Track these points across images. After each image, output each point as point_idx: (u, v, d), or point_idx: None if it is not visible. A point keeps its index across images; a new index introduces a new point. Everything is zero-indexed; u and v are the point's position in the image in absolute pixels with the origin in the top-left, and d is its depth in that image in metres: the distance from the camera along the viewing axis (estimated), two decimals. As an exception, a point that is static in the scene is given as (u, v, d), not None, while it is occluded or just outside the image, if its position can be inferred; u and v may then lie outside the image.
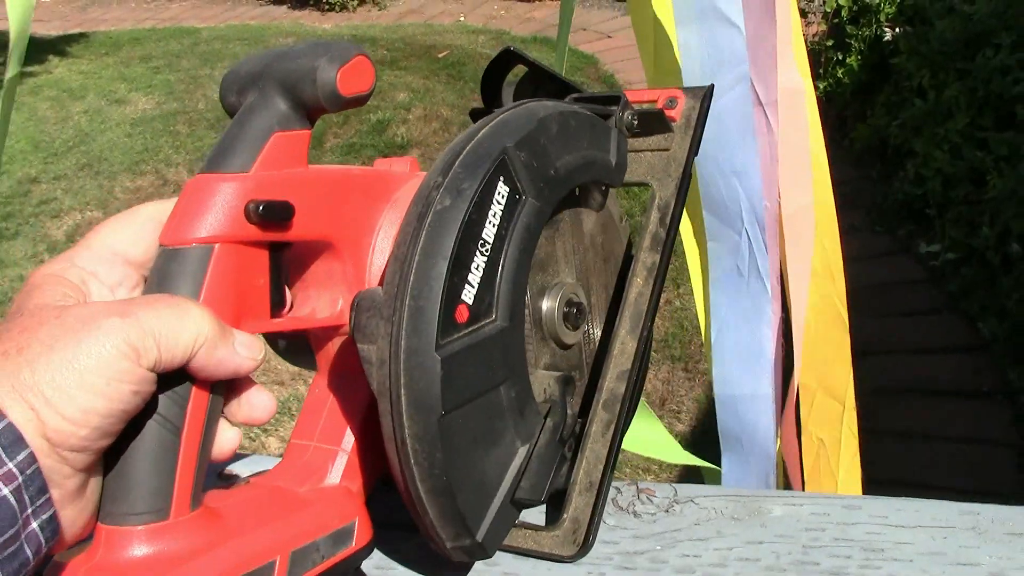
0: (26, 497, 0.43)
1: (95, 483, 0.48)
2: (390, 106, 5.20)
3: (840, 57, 4.56)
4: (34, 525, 0.43)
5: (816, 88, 4.62)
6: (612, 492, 0.62)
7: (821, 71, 4.71)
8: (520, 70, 0.71)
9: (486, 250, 0.54)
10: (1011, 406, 2.79)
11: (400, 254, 0.53)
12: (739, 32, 0.98)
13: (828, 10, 4.54)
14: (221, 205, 0.53)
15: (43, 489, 0.44)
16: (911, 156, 3.78)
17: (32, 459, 0.43)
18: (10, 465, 0.42)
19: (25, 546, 0.43)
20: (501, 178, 0.55)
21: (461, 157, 0.55)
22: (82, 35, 7.33)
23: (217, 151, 0.55)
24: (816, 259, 1.12)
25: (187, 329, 0.48)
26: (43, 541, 0.44)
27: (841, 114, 4.54)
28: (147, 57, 6.46)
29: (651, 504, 0.61)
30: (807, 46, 4.89)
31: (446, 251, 0.52)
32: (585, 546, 0.60)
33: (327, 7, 7.38)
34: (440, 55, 5.92)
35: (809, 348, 1.15)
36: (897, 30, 4.21)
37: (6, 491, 0.42)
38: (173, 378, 0.49)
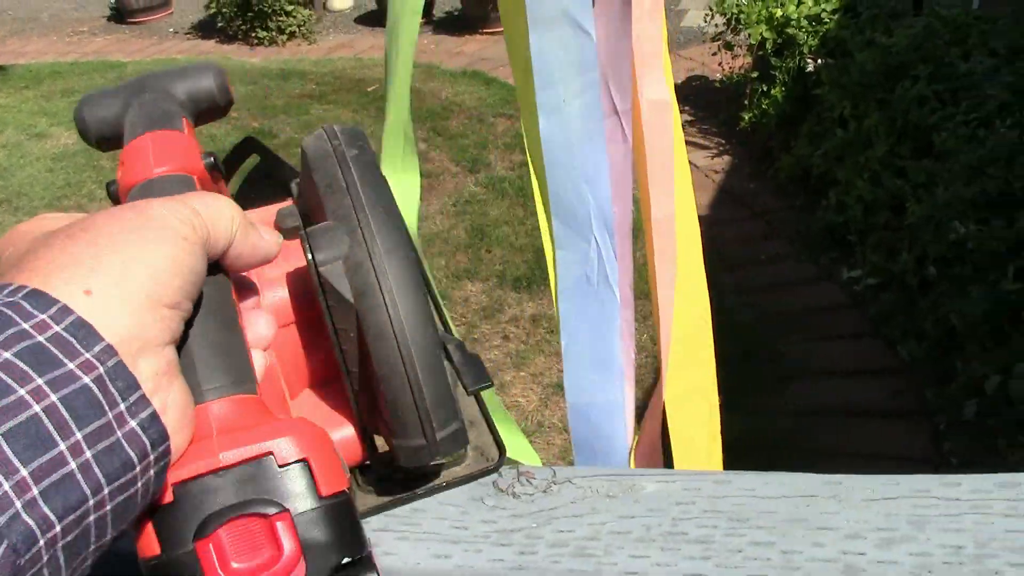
0: (113, 390, 0.39)
1: (180, 385, 0.43)
2: (318, 139, 5.18)
3: (765, 89, 4.63)
4: (133, 424, 0.39)
5: (742, 119, 4.71)
6: (493, 476, 0.63)
7: (747, 103, 4.78)
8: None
9: None
10: (929, 425, 2.84)
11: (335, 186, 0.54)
12: (590, 39, 0.98)
13: (753, 43, 4.61)
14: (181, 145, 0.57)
15: (133, 385, 0.39)
16: (833, 184, 3.85)
17: (111, 351, 0.39)
18: (87, 355, 0.38)
19: (125, 445, 0.38)
20: None
21: None
22: (0, 68, 7.22)
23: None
24: (680, 265, 1.12)
25: (225, 213, 0.47)
26: (148, 444, 0.39)
27: (767, 144, 4.61)
28: (69, 91, 6.37)
29: (530, 485, 0.62)
30: (733, 78, 4.99)
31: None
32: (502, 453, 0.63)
33: (256, 41, 7.36)
34: (370, 89, 5.92)
35: (677, 351, 1.15)
36: (819, 62, 4.29)
37: (87, 379, 0.38)
38: (214, 267, 0.48)
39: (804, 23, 4.43)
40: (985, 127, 3.14)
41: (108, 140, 0.62)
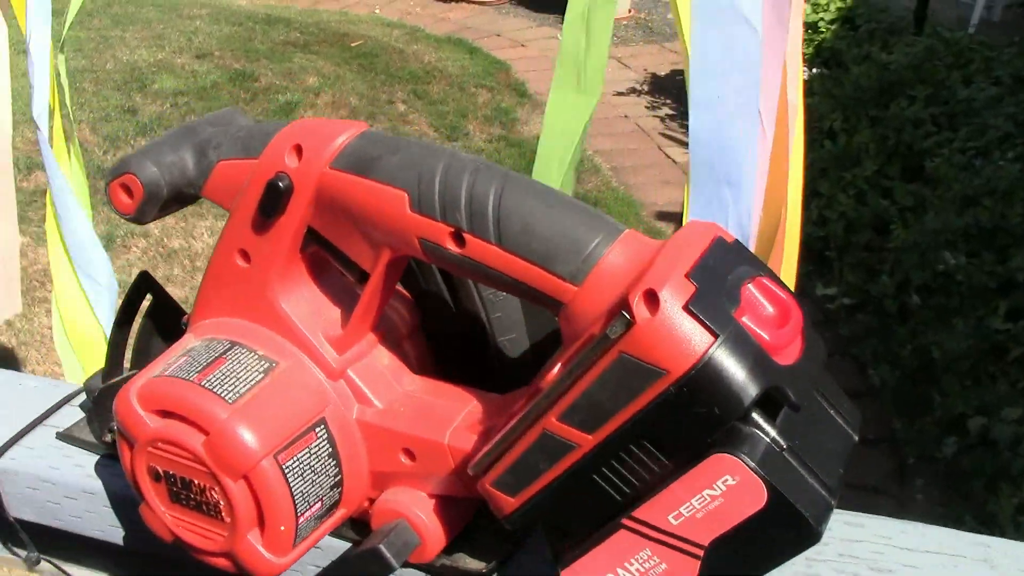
0: None
1: None
2: (299, 88, 5.07)
3: (753, 92, 4.57)
4: None
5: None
6: None
7: (732, 103, 4.71)
8: None
9: None
10: (893, 456, 2.79)
11: None
12: (756, 35, 0.91)
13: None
14: None
15: None
16: (816, 197, 3.79)
17: None
18: None
19: None
20: None
21: None
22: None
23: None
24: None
25: None
26: None
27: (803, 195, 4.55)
28: (57, 12, 6.17)
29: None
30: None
31: None
32: None
33: (241, -18, 7.20)
34: (353, 44, 5.80)
35: None
36: (813, 71, 4.23)
37: None
38: None
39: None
40: (983, 157, 3.09)
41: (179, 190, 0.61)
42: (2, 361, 3.20)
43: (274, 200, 0.55)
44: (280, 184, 0.55)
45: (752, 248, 1.03)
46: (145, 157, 0.60)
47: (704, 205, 0.97)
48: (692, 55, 0.93)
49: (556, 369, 0.48)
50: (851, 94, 3.78)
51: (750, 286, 0.46)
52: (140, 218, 0.61)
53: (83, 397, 0.78)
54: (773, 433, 0.44)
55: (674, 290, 0.44)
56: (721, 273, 0.46)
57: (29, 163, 4.25)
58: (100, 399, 0.71)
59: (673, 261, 0.46)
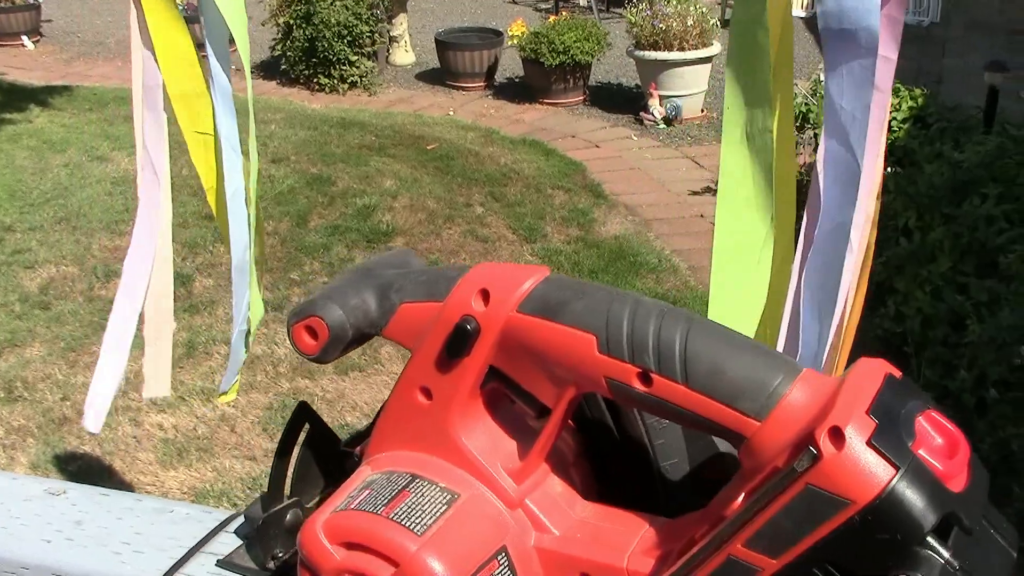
0: None
1: None
2: (376, 192, 5.20)
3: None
4: None
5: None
6: None
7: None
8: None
9: None
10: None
11: None
12: (856, 163, 1.01)
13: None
14: None
15: None
16: (892, 293, 3.82)
17: None
18: None
19: None
20: None
21: None
22: (66, 88, 7.29)
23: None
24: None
25: None
26: None
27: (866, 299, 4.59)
28: (132, 117, 6.39)
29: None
30: (798, 177, 4.99)
31: None
32: None
33: (317, 87, 7.43)
34: (429, 147, 5.95)
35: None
36: (887, 170, 4.29)
37: None
38: None
39: (873, 129, 4.43)
40: (1056, 253, 3.13)
41: (361, 332, 0.65)
42: (88, 470, 3.26)
43: (461, 342, 0.59)
44: (468, 327, 0.59)
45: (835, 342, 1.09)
46: (330, 300, 0.64)
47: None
48: (825, 110, 1.02)
49: (740, 498, 0.53)
50: (924, 192, 3.82)
51: (921, 419, 0.50)
52: (323, 358, 0.65)
53: (238, 523, 0.81)
54: (947, 555, 0.48)
55: (858, 426, 0.49)
56: (896, 408, 0.50)
57: (107, 271, 4.38)
58: (264, 527, 0.73)
59: (853, 398, 0.50)
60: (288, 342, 0.78)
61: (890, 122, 4.29)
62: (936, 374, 3.36)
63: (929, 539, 0.48)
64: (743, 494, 0.53)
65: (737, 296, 1.12)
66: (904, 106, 4.47)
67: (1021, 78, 5.87)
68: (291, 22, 7.33)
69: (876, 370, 0.52)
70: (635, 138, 6.33)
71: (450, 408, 0.61)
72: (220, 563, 0.77)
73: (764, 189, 1.08)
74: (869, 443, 0.48)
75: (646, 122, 6.49)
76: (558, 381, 0.58)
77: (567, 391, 0.58)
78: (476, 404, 0.62)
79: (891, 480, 0.48)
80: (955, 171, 3.78)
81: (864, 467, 0.48)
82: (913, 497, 0.48)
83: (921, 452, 0.49)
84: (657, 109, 6.42)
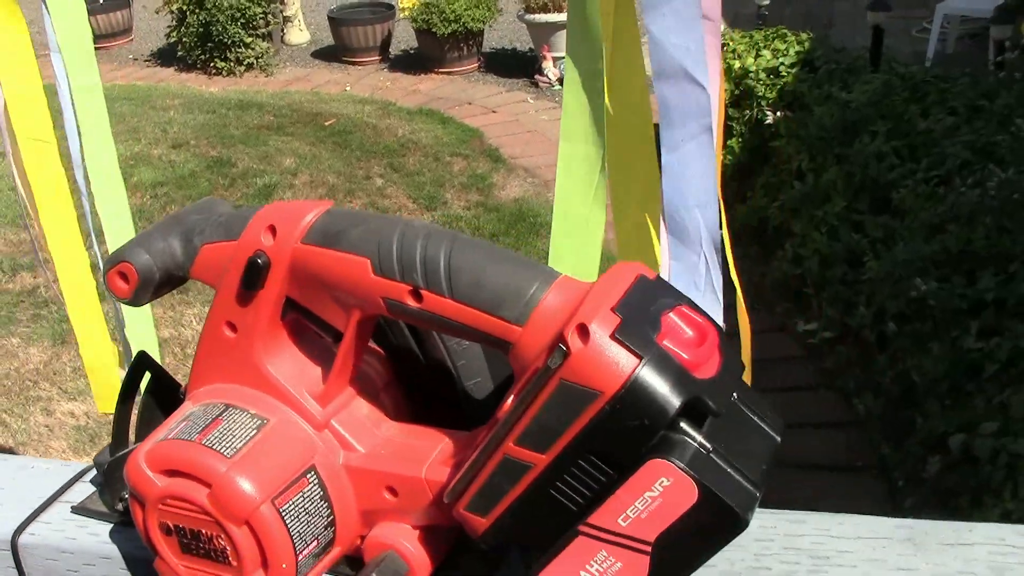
0: None
1: None
2: (276, 170, 5.15)
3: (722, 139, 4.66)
4: None
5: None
6: None
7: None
8: None
9: None
10: (884, 481, 2.84)
11: None
12: (704, 92, 1.11)
13: (710, 93, 4.64)
14: None
15: None
16: (790, 236, 3.87)
17: None
18: None
19: None
20: None
21: None
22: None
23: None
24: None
25: None
26: None
27: (723, 194, 4.62)
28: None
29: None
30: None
31: None
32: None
33: (214, 71, 7.31)
34: (327, 123, 5.89)
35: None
36: (778, 114, 4.33)
37: None
38: None
39: (762, 75, 4.47)
40: (945, 185, 3.18)
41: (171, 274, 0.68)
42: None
43: (254, 275, 0.62)
44: (259, 261, 0.62)
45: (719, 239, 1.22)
46: (138, 246, 0.67)
47: (679, 221, 1.18)
48: (659, 107, 1.13)
49: (509, 401, 0.55)
50: (815, 134, 3.87)
51: (670, 314, 0.53)
52: (136, 301, 0.67)
53: (93, 473, 0.83)
54: (700, 438, 0.51)
55: (602, 322, 0.51)
56: (644, 305, 0.53)
57: (14, 264, 4.29)
58: (110, 471, 0.76)
59: (600, 298, 0.53)
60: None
61: (778, 67, 4.32)
62: (837, 312, 3.41)
63: (682, 424, 0.51)
64: (511, 397, 0.55)
65: (577, 225, 1.22)
66: (791, 51, 4.51)
67: (905, 17, 5.96)
68: (184, 8, 7.20)
69: (627, 272, 0.55)
70: (531, 101, 6.32)
71: (253, 339, 0.64)
72: (74, 509, 0.79)
73: (597, 127, 1.17)
74: (613, 336, 0.51)
75: (541, 85, 6.47)
76: (344, 306, 0.62)
77: (353, 314, 0.61)
78: (279, 334, 0.66)
79: (635, 369, 0.50)
80: (844, 111, 3.82)
81: (609, 359, 0.51)
82: (657, 383, 0.50)
83: (666, 343, 0.52)
84: (551, 71, 6.40)
